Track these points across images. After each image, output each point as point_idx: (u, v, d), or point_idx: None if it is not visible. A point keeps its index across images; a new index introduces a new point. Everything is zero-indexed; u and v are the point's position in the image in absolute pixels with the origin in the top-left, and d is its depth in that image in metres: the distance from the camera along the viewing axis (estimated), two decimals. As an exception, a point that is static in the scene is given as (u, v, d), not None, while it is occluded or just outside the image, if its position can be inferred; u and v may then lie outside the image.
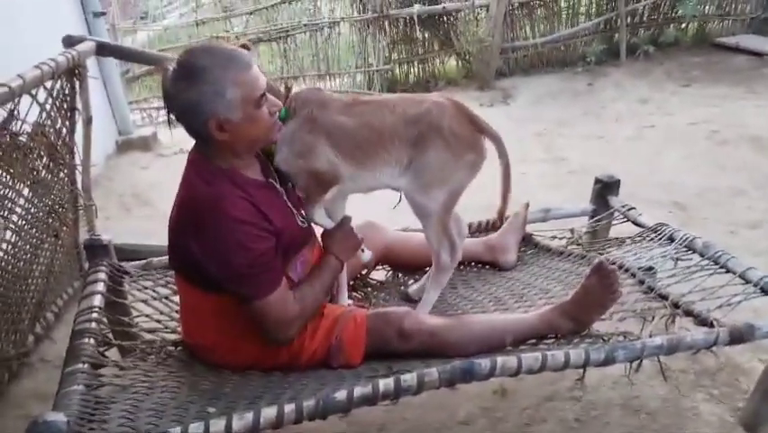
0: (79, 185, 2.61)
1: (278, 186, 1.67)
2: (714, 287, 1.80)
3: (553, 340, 1.72)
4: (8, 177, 1.98)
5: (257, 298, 1.53)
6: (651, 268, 1.99)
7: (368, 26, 5.78)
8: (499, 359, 1.46)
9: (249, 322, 1.59)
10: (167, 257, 1.75)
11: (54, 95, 2.27)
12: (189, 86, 1.43)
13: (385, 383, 1.40)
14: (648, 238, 2.15)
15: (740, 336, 1.59)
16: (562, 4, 6.21)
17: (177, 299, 1.86)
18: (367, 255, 1.90)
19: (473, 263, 2.25)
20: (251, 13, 5.82)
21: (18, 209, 2.09)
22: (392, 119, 1.71)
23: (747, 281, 1.78)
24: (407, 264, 2.20)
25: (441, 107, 1.73)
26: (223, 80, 1.42)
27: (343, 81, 5.96)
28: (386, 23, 5.75)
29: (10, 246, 2.07)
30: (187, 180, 1.56)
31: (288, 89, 1.71)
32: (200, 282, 1.59)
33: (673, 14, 6.48)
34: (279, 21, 5.77)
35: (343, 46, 5.90)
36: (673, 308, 1.76)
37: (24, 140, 2.06)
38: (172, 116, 1.50)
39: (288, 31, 5.70)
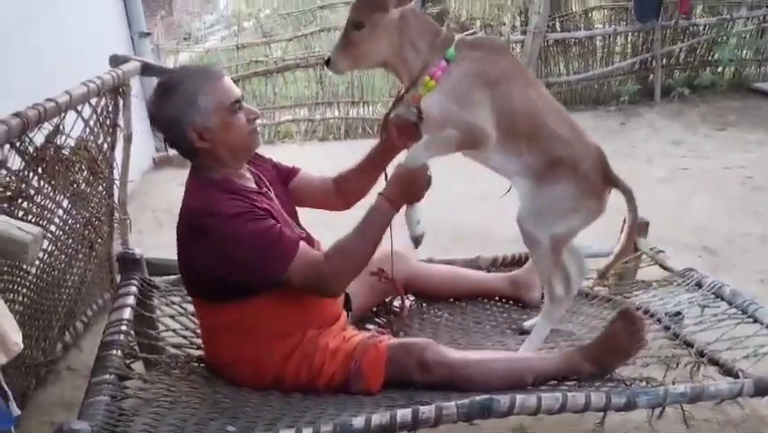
0: (116, 199, 2.68)
1: (272, 195, 1.72)
2: (741, 336, 1.78)
3: (574, 382, 1.71)
4: (50, 188, 2.05)
5: (284, 271, 1.55)
6: (678, 313, 1.97)
7: (402, 56, 5.86)
8: (519, 397, 1.46)
9: (269, 328, 1.64)
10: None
11: (98, 111, 2.34)
12: (166, 101, 1.57)
13: (403, 414, 1.41)
14: (675, 283, 2.13)
15: (766, 387, 1.57)
16: (598, 43, 6.23)
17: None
18: (419, 229, 1.75)
19: (497, 298, 2.24)
20: (290, 40, 5.95)
21: (57, 220, 2.15)
22: (550, 128, 1.69)
23: (776, 332, 1.76)
24: (431, 294, 2.21)
25: (587, 148, 1.74)
26: (194, 91, 1.55)
27: (377, 108, 6.03)
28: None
29: (46, 255, 2.13)
30: (183, 201, 1.64)
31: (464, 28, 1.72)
32: (218, 295, 1.63)
33: (710, 58, 6.46)
34: (317, 48, 5.89)
35: (378, 74, 5.99)
36: (698, 356, 1.74)
37: (67, 153, 2.13)
38: (163, 137, 1.64)
39: (324, 58, 5.81)
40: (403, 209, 1.70)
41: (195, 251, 1.60)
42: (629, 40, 6.29)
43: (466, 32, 1.73)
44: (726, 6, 6.34)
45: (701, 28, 6.30)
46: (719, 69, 6.53)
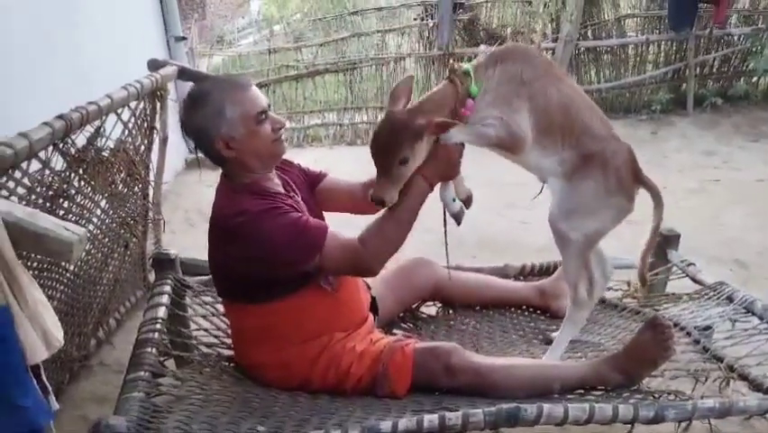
0: (150, 199, 2.75)
1: (299, 199, 1.75)
2: (772, 352, 1.76)
3: (601, 392, 1.71)
4: (90, 188, 2.11)
5: (315, 256, 1.58)
6: (708, 327, 1.95)
7: (433, 63, 5.89)
8: (546, 406, 1.46)
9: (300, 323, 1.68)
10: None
11: (137, 114, 2.41)
12: (195, 111, 1.62)
13: (429, 419, 1.43)
14: (706, 296, 2.11)
15: (796, 405, 1.55)
16: (630, 52, 6.17)
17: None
18: (456, 205, 1.74)
19: (524, 307, 2.24)
20: (321, 45, 6.01)
21: (95, 219, 2.22)
22: (584, 122, 1.71)
23: (808, 350, 1.74)
24: (458, 301, 2.22)
25: (619, 146, 1.75)
26: (221, 101, 1.60)
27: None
28: (451, 60, 5.83)
29: (84, 253, 2.19)
30: (214, 205, 1.69)
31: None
32: (249, 296, 1.67)
33: (744, 68, 6.35)
34: (348, 53, 5.94)
35: (407, 80, 6.01)
36: (728, 370, 1.72)
37: (107, 155, 2.20)
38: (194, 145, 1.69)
39: (355, 63, 5.86)
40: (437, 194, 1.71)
41: (226, 252, 1.64)
42: (662, 48, 6.22)
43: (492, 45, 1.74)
44: (761, 16, 6.23)
45: (736, 38, 6.20)
46: (754, 80, 6.42)
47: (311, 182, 1.91)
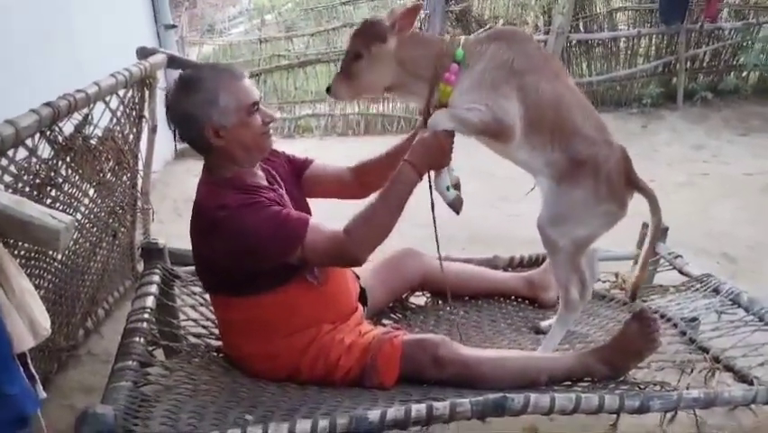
0: (139, 188, 2.73)
1: (283, 191, 1.74)
2: (757, 344, 1.78)
3: (588, 384, 1.72)
4: (77, 177, 2.09)
5: (296, 248, 1.56)
6: (694, 319, 1.97)
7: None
8: (533, 396, 1.48)
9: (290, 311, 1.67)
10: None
11: (125, 102, 2.39)
12: (186, 96, 1.59)
13: (417, 409, 1.43)
14: (693, 288, 2.13)
15: (780, 395, 1.57)
16: (621, 45, 6.19)
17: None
18: (452, 194, 1.70)
19: (513, 298, 2.26)
20: (312, 35, 5.99)
21: (83, 208, 2.20)
22: (576, 124, 1.67)
23: (792, 341, 1.76)
24: (446, 292, 2.22)
25: (611, 148, 1.71)
26: (215, 89, 1.57)
27: (396, 105, 6.05)
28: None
29: (72, 242, 2.18)
30: (195, 199, 1.67)
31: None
32: (233, 290, 1.67)
33: (735, 62, 6.39)
34: (339, 43, 5.92)
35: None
36: (714, 362, 1.74)
37: (95, 143, 2.18)
38: (177, 132, 1.65)
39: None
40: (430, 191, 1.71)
41: (208, 246, 1.63)
42: (653, 42, 6.26)
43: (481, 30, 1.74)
44: (752, 11, 6.27)
45: (726, 32, 6.25)
46: (744, 74, 6.47)
47: (297, 170, 1.90)
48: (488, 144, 1.73)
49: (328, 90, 1.70)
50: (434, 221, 1.78)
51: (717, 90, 6.19)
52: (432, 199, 1.74)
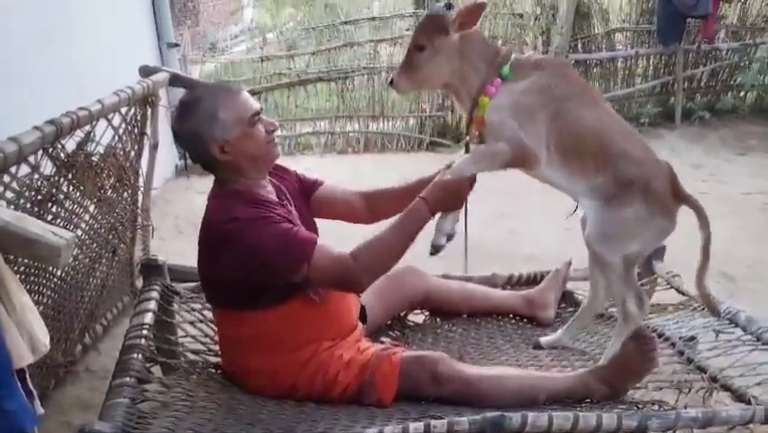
0: (139, 205, 2.74)
1: (292, 208, 1.76)
2: (754, 363, 1.78)
3: (586, 403, 1.72)
4: (78, 193, 2.11)
5: (303, 268, 1.58)
6: (692, 338, 1.97)
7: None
8: (531, 415, 1.47)
9: (287, 333, 1.68)
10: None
11: (127, 120, 2.40)
12: (188, 118, 1.63)
13: (415, 427, 1.43)
14: (691, 308, 2.14)
15: (778, 415, 1.56)
16: (619, 65, 6.24)
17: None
18: (444, 239, 1.72)
19: (511, 316, 2.26)
20: (313, 54, 6.03)
21: (83, 224, 2.21)
22: (619, 147, 1.68)
23: (789, 360, 1.76)
24: (446, 310, 2.23)
25: (658, 166, 1.73)
26: (214, 106, 1.62)
27: (396, 123, 6.09)
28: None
29: (72, 258, 2.18)
30: (206, 211, 1.69)
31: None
32: (238, 304, 1.68)
33: (732, 82, 6.44)
34: (340, 62, 5.96)
35: (398, 90, 6.04)
36: (711, 381, 1.74)
37: (96, 160, 2.19)
38: (187, 154, 1.69)
39: (347, 72, 5.89)
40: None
41: (216, 258, 1.64)
42: (651, 62, 6.31)
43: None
44: (749, 32, 6.33)
45: (724, 53, 6.30)
46: (741, 94, 6.52)
47: (306, 190, 1.92)
48: (526, 172, 1.74)
49: (391, 83, 1.75)
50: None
51: (715, 110, 6.23)
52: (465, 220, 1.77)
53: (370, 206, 1.95)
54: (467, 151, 1.82)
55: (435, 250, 1.73)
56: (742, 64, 6.33)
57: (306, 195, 1.91)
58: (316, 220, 1.93)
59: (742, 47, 6.26)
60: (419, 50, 1.68)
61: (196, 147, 1.65)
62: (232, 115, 1.62)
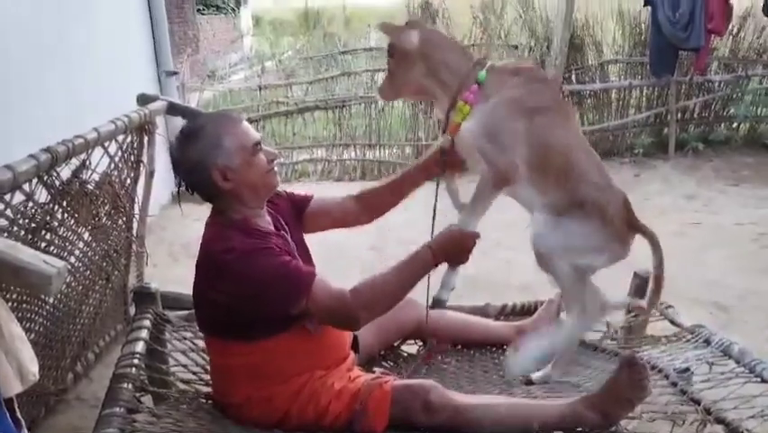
0: (134, 232, 2.75)
1: (289, 238, 1.77)
2: (748, 396, 1.77)
3: (579, 433, 1.71)
4: (73, 221, 2.11)
5: (301, 301, 1.58)
6: (686, 370, 1.97)
7: (420, 102, 5.98)
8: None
9: (281, 364, 1.68)
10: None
11: (123, 148, 2.43)
12: (190, 146, 1.64)
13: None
14: (684, 339, 2.13)
15: (772, 449, 1.56)
16: (613, 96, 6.31)
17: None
18: (447, 293, 1.76)
19: (505, 347, 2.24)
20: (311, 83, 6.10)
21: (77, 252, 2.21)
22: (581, 168, 1.70)
23: (784, 394, 1.75)
24: (439, 340, 2.22)
25: (615, 195, 1.75)
26: (218, 134, 1.63)
27: (393, 151, 6.13)
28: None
29: (64, 286, 2.18)
30: (203, 240, 1.69)
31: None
32: (232, 334, 1.67)
33: (725, 113, 6.51)
34: (337, 91, 6.03)
35: (396, 119, 6.10)
36: (705, 413, 1.73)
37: (92, 188, 2.20)
38: (185, 184, 1.70)
39: (344, 101, 5.95)
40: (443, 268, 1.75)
41: (212, 286, 1.64)
42: (644, 93, 6.38)
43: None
44: (741, 64, 6.42)
45: (716, 84, 6.38)
46: (734, 125, 6.59)
47: (298, 208, 1.93)
48: None
49: (380, 92, 1.85)
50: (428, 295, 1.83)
51: (708, 141, 6.29)
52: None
53: (364, 205, 1.98)
54: (442, 164, 1.83)
55: (438, 304, 1.77)
56: (734, 96, 6.41)
57: (299, 212, 1.92)
58: (314, 235, 1.95)
59: (734, 79, 6.34)
60: (390, 57, 1.75)
61: (198, 175, 1.65)
62: (235, 142, 1.64)
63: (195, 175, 1.66)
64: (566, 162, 1.69)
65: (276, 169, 1.73)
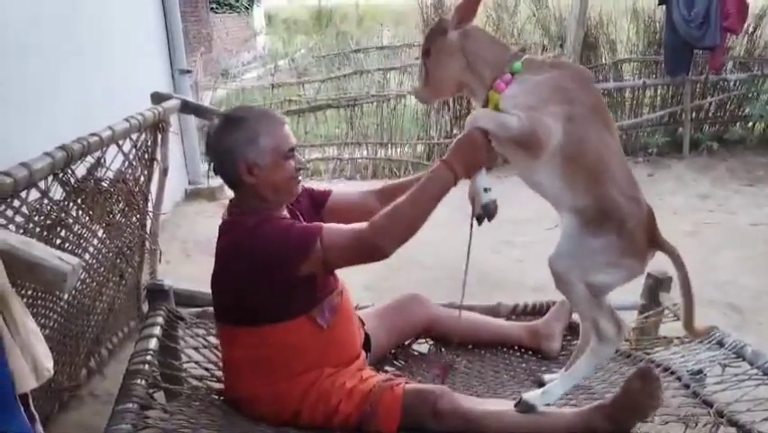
0: (148, 229, 2.77)
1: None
2: (761, 398, 1.75)
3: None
4: (87, 218, 2.13)
5: (316, 239, 1.60)
6: (699, 372, 1.95)
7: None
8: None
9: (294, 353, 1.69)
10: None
11: (138, 146, 2.44)
12: (227, 133, 1.67)
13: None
14: (697, 340, 2.11)
15: (785, 452, 1.54)
16: (627, 95, 6.27)
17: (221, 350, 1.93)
18: (487, 196, 1.63)
19: (516, 348, 2.24)
20: (323, 81, 6.12)
21: (91, 249, 2.23)
22: (612, 173, 1.63)
23: (797, 396, 1.73)
24: (450, 339, 2.20)
25: (641, 208, 1.67)
26: (257, 130, 1.66)
27: (405, 150, 6.13)
28: (450, 99, 5.93)
29: (79, 282, 2.20)
30: (219, 226, 1.73)
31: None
32: (249, 315, 1.68)
33: (740, 113, 6.45)
34: (350, 89, 6.04)
35: (408, 117, 6.11)
36: (718, 416, 1.71)
37: (106, 185, 2.22)
38: (213, 166, 1.72)
39: (356, 99, 5.95)
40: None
41: (229, 267, 1.68)
42: (659, 93, 6.34)
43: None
44: (757, 63, 6.36)
45: (732, 83, 6.32)
46: (749, 125, 6.52)
47: (317, 203, 1.94)
48: (519, 164, 1.68)
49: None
50: (467, 266, 1.78)
51: (723, 140, 6.23)
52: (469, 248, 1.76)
53: (385, 202, 1.91)
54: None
55: (488, 211, 1.64)
56: (750, 95, 6.34)
57: (318, 208, 1.93)
58: None
59: (750, 78, 6.27)
60: (426, 56, 1.71)
61: (226, 162, 1.68)
62: (271, 143, 1.66)
63: (222, 161, 1.69)
64: (599, 161, 1.62)
65: (301, 177, 1.75)
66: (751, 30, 6.24)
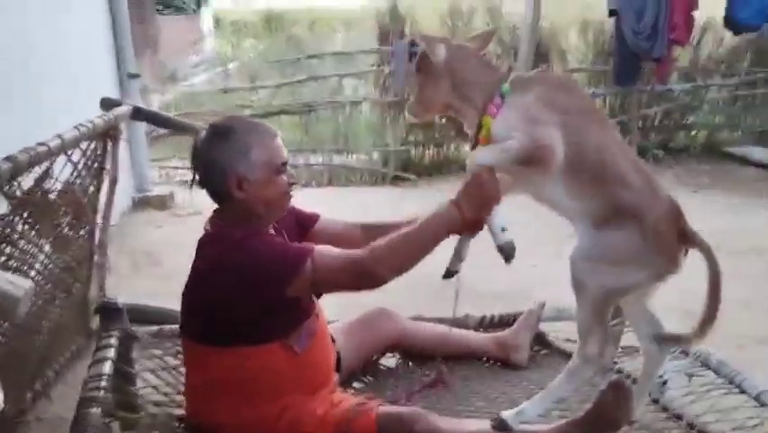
0: (96, 241, 2.63)
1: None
2: (729, 408, 1.78)
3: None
4: (33, 233, 2.00)
5: (306, 259, 1.53)
6: (663, 383, 1.97)
7: (388, 108, 5.96)
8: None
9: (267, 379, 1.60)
10: (178, 326, 1.76)
11: (87, 155, 2.32)
12: (217, 145, 1.58)
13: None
14: (661, 350, 2.13)
15: (755, 462, 1.56)
16: (576, 103, 6.39)
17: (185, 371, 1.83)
18: (505, 236, 1.62)
19: (485, 359, 2.22)
20: (277, 86, 6.02)
21: (37, 265, 2.09)
22: (619, 170, 1.58)
23: (762, 404, 1.76)
24: (419, 353, 2.18)
25: (657, 199, 1.59)
26: (248, 142, 1.57)
27: (360, 157, 6.09)
28: (406, 106, 5.93)
29: (24, 302, 2.06)
30: (200, 240, 1.64)
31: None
32: (225, 336, 1.59)
33: (684, 122, 6.68)
34: (304, 95, 5.96)
35: (363, 124, 6.07)
36: (688, 428, 1.73)
37: (54, 197, 2.09)
38: (197, 177, 1.63)
39: (311, 106, 5.88)
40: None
41: (209, 281, 1.58)
42: (607, 102, 6.49)
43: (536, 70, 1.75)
44: (700, 74, 6.60)
45: (676, 93, 6.54)
46: (693, 133, 6.76)
47: (303, 225, 1.87)
48: (525, 186, 1.66)
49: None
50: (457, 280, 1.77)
51: (668, 148, 6.44)
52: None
53: (368, 238, 1.86)
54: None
55: (505, 252, 1.63)
56: (694, 105, 6.57)
57: (303, 230, 1.86)
58: None
59: (693, 88, 6.51)
60: (418, 73, 1.69)
61: (214, 175, 1.59)
62: (263, 156, 1.58)
63: (210, 174, 1.60)
64: (601, 162, 1.58)
65: (292, 193, 1.68)
66: (695, 42, 6.46)
